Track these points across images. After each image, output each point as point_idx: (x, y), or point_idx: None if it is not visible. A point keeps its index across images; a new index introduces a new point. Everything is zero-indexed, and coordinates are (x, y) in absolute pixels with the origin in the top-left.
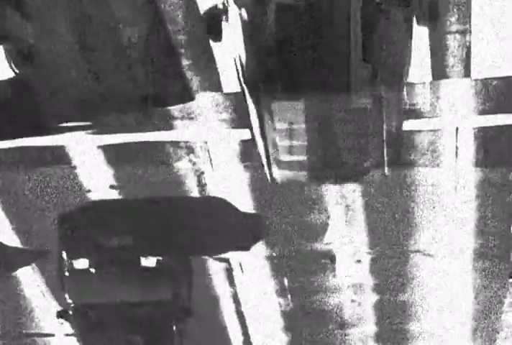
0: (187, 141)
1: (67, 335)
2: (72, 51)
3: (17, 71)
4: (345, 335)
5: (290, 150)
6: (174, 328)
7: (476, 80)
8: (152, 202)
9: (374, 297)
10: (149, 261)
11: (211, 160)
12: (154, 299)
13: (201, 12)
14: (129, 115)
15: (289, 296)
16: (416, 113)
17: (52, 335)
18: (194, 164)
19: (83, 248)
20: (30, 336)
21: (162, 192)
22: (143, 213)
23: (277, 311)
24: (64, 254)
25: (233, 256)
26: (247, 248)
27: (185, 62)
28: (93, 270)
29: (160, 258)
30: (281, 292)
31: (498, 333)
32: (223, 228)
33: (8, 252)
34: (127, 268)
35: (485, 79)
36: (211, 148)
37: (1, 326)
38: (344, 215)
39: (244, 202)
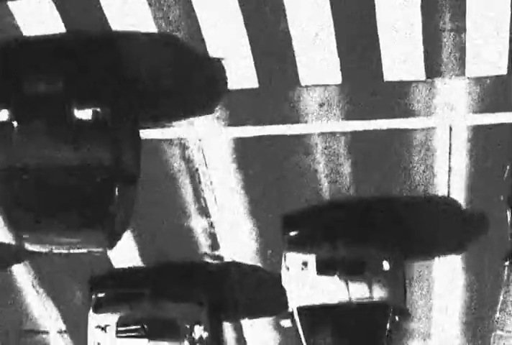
0: (181, 139)
1: (59, 332)
2: None
3: None
4: None
5: None
6: (116, 193)
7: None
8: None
9: None
10: (83, 113)
11: (204, 158)
12: (92, 162)
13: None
14: None
15: None
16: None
17: (47, 332)
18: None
19: (1, 95)
20: (26, 333)
21: None
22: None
23: None
24: None
25: None
26: None
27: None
28: (14, 123)
29: (98, 109)
30: None
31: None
32: None
33: (1, 249)
34: (55, 121)
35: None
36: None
37: None
38: None
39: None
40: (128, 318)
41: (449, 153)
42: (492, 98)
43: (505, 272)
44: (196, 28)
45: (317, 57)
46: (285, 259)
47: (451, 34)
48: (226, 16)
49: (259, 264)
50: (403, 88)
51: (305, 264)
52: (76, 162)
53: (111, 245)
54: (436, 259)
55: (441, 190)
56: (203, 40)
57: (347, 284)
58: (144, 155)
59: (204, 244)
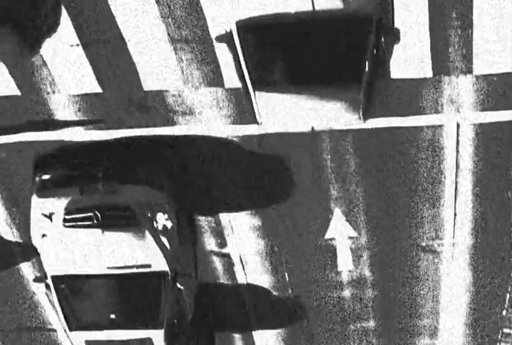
0: None
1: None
2: None
3: None
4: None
5: None
6: None
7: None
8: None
9: None
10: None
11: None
12: None
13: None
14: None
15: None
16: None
17: (54, 330)
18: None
19: None
20: (32, 330)
21: None
22: None
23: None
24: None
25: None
26: None
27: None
28: None
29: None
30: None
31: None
32: None
33: (8, 246)
34: None
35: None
36: None
37: (4, 320)
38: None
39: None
40: (77, 204)
41: (457, 150)
42: (500, 96)
43: None
44: None
45: None
46: None
47: (458, 31)
48: None
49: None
50: (410, 85)
51: None
52: None
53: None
54: (444, 258)
55: (448, 188)
56: None
57: None
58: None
59: None
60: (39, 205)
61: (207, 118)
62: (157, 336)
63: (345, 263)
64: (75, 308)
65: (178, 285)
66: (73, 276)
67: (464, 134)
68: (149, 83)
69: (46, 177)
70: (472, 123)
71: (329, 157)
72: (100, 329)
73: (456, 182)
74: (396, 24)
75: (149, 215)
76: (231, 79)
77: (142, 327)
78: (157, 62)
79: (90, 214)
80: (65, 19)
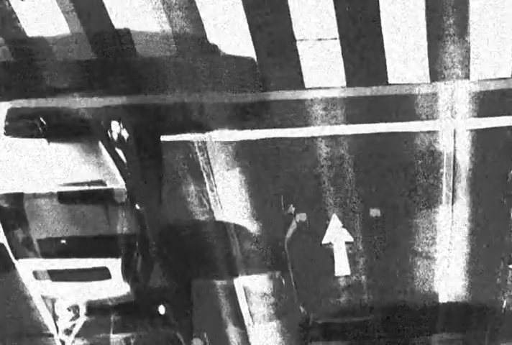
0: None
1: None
2: None
3: None
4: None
5: None
6: None
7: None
8: None
9: None
10: None
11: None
12: None
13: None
14: None
15: None
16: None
17: (51, 335)
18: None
19: None
20: (30, 336)
21: None
22: None
23: None
24: None
25: None
26: None
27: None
28: None
29: None
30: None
31: None
32: None
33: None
34: None
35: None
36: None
37: (1, 326)
38: None
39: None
40: (20, 110)
41: (454, 156)
42: (496, 101)
43: (510, 275)
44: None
45: (321, 59)
46: None
47: (455, 37)
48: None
49: None
50: (407, 91)
51: None
52: None
53: None
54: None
55: (445, 193)
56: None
57: None
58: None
59: None
60: None
61: None
62: (114, 265)
63: (342, 268)
64: (21, 232)
65: (137, 206)
66: (17, 194)
67: (460, 140)
68: None
69: None
70: (469, 129)
71: (326, 163)
72: (49, 257)
73: (453, 189)
74: (393, 31)
75: (102, 123)
76: None
77: (96, 255)
78: None
79: (34, 122)
80: None
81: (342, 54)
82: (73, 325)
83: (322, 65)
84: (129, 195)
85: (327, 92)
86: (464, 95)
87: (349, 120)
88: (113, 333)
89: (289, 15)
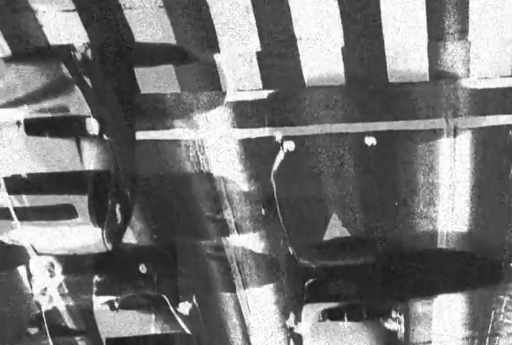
0: (186, 140)
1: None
2: None
3: None
4: None
5: None
6: None
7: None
8: None
9: None
10: None
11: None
12: None
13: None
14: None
15: None
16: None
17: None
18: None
19: None
20: (30, 336)
21: None
22: None
23: None
24: None
25: None
26: None
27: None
28: None
29: None
30: None
31: None
32: None
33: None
34: None
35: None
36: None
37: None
38: None
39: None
40: None
41: (454, 154)
42: (497, 100)
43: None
44: None
45: (321, 59)
46: None
47: (456, 36)
48: None
49: None
50: (408, 89)
51: None
52: None
53: None
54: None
55: (445, 192)
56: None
57: None
58: (151, 155)
59: None
60: None
61: None
62: (80, 202)
63: None
64: None
65: (105, 137)
66: None
67: (461, 138)
68: None
69: None
70: (469, 128)
71: (326, 161)
72: (11, 193)
73: (453, 187)
74: (394, 30)
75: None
76: None
77: (62, 191)
78: None
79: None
80: None
81: (342, 54)
82: (49, 286)
83: (322, 65)
84: (96, 126)
85: (327, 92)
86: (464, 94)
87: (350, 118)
88: (96, 294)
89: (289, 15)
